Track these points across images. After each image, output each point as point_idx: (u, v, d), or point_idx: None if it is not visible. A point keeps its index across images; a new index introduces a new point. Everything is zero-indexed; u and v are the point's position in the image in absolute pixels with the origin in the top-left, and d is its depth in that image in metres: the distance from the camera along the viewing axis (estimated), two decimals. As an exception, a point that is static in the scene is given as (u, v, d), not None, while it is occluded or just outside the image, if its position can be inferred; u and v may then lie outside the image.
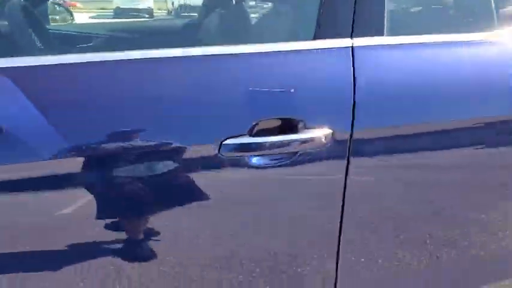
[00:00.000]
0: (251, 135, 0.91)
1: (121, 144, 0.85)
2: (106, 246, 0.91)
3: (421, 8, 1.32)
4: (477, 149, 1.09)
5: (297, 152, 0.94)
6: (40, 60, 0.87)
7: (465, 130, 1.05)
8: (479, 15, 1.20)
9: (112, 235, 0.90)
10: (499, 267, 1.25)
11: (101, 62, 0.87)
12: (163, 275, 0.96)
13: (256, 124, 0.91)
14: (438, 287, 1.19)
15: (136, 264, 0.95)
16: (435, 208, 1.10)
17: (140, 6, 2.28)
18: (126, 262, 0.93)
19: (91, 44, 1.17)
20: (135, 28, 1.06)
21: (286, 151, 0.93)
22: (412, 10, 1.30)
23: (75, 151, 0.82)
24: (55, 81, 0.84)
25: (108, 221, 0.90)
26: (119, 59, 0.87)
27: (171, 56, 0.90)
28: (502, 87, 1.05)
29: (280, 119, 0.93)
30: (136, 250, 0.94)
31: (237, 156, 0.91)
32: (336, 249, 1.02)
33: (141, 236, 0.92)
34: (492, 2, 1.17)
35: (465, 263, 1.18)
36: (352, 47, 1.00)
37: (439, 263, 1.13)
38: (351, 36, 1.01)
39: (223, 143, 0.89)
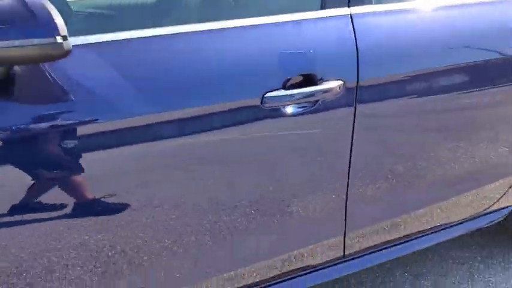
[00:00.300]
0: (284, 88, 1.15)
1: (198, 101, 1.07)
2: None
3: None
4: (455, 94, 1.41)
5: (318, 100, 1.19)
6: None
7: (441, 76, 1.36)
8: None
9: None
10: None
11: (173, 34, 1.06)
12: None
13: (288, 80, 1.15)
14: (422, 195, 1.50)
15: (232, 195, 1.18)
16: (421, 136, 1.41)
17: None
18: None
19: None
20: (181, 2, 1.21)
21: (310, 100, 1.18)
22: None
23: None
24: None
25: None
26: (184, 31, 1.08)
27: (221, 27, 1.12)
28: (472, 40, 1.38)
29: (305, 74, 1.17)
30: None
31: (274, 106, 1.14)
32: (347, 172, 1.30)
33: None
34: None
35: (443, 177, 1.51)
36: (350, 14, 1.26)
37: (425, 180, 1.45)
38: (348, 6, 1.27)
39: (264, 95, 1.12)
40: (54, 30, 0.81)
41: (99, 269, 1.07)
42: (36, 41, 0.81)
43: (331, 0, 1.26)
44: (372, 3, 1.31)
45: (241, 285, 1.31)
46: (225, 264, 1.26)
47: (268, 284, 1.37)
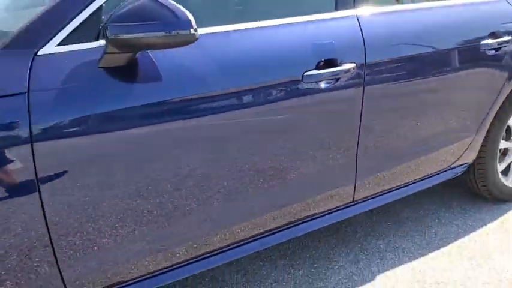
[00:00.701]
0: (317, 69, 1.57)
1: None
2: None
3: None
4: (442, 74, 1.89)
5: (339, 78, 1.63)
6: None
7: (418, 60, 1.83)
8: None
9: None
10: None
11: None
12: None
13: (319, 62, 1.58)
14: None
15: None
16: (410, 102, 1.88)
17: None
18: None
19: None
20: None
21: (334, 77, 1.62)
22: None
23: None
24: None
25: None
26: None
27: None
28: (441, 34, 1.87)
29: (330, 59, 1.61)
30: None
31: (310, 81, 1.56)
32: (357, 132, 1.74)
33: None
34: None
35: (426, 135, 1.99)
36: (356, 15, 1.72)
37: (410, 140, 1.92)
38: (354, 7, 1.72)
39: (303, 74, 1.55)
40: (189, 24, 1.19)
41: (170, 207, 1.44)
42: (176, 32, 1.19)
43: (342, 3, 1.71)
44: (369, 5, 1.78)
45: (281, 224, 1.73)
46: (268, 204, 1.66)
47: (298, 223, 1.79)
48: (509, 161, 2.46)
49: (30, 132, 1.17)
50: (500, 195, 2.44)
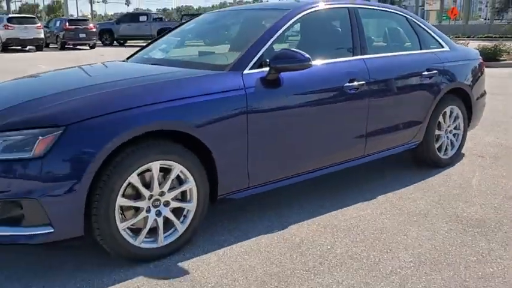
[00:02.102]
0: (349, 82, 3.32)
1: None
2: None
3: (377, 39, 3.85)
4: (405, 88, 3.69)
5: (358, 88, 3.38)
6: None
7: (392, 81, 3.63)
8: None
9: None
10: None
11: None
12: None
13: (349, 80, 3.33)
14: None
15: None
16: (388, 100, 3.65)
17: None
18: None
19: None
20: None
21: (356, 88, 3.36)
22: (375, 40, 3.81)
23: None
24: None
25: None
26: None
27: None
28: (401, 68, 3.69)
29: (353, 78, 3.35)
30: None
31: (347, 88, 3.30)
32: (366, 116, 3.48)
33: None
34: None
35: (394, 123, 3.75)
36: (363, 58, 3.50)
37: (388, 123, 3.68)
38: (361, 54, 3.51)
39: (344, 85, 3.29)
40: (309, 60, 2.90)
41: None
42: (304, 64, 2.89)
43: (359, 52, 3.48)
44: (368, 53, 3.56)
45: (331, 163, 3.40)
46: (328, 151, 3.33)
47: (338, 163, 3.46)
48: (440, 142, 4.26)
49: (246, 106, 2.80)
50: (437, 162, 4.23)
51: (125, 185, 2.42)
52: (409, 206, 3.42)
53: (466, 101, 4.38)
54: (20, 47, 23.23)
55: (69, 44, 24.45)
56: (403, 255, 2.69)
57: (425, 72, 3.90)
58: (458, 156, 4.47)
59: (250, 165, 2.89)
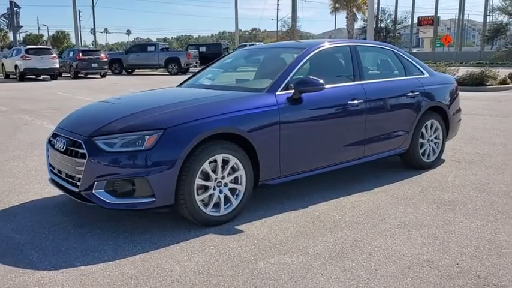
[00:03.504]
0: (350, 101, 4.47)
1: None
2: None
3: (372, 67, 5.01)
4: (394, 105, 4.85)
5: (358, 104, 4.53)
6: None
7: (385, 100, 4.79)
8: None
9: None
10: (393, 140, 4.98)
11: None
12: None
13: (351, 99, 4.49)
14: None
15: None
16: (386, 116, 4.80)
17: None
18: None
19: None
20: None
21: (357, 105, 4.52)
22: (370, 69, 4.97)
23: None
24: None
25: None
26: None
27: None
28: (392, 91, 4.87)
29: (354, 97, 4.51)
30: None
31: (350, 105, 4.45)
32: (364, 125, 4.62)
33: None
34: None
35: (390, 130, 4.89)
36: (362, 83, 4.67)
37: (382, 131, 4.83)
38: (360, 80, 4.68)
39: (347, 102, 4.44)
40: (323, 84, 4.06)
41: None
42: (319, 87, 4.05)
43: (358, 78, 4.66)
44: (364, 79, 4.72)
45: (343, 160, 4.52)
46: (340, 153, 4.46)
47: (347, 161, 4.58)
48: (424, 149, 5.39)
49: (279, 118, 3.94)
50: (421, 165, 5.35)
51: (200, 169, 3.53)
52: (398, 193, 4.52)
53: (444, 116, 5.54)
54: (34, 76, 24.62)
55: (81, 73, 25.86)
56: (393, 221, 3.78)
57: (410, 93, 5.07)
58: (439, 160, 5.60)
59: (281, 161, 4.01)
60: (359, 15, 28.95)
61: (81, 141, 3.51)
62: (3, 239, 3.53)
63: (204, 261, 3.09)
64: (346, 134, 4.52)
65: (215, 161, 3.63)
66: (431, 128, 5.42)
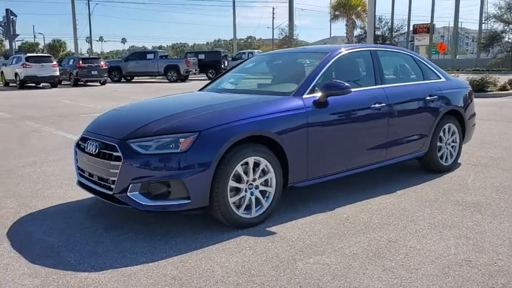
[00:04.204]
0: (373, 104, 4.52)
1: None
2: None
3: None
4: (414, 109, 4.90)
5: (381, 108, 4.58)
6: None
7: (404, 102, 4.85)
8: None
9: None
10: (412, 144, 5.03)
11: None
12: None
13: (374, 102, 4.53)
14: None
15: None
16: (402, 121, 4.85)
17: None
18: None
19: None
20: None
21: (380, 108, 4.57)
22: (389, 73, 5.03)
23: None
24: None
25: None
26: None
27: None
28: (412, 94, 4.93)
29: (377, 101, 4.57)
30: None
31: (373, 108, 4.50)
32: (387, 128, 4.67)
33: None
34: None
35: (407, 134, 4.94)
36: (383, 86, 4.72)
37: (403, 135, 4.88)
38: (382, 84, 4.73)
39: (371, 106, 4.49)
40: (349, 88, 4.11)
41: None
42: (346, 90, 4.09)
43: (379, 82, 4.71)
44: (385, 83, 4.78)
45: (364, 164, 4.56)
46: (362, 156, 4.50)
47: (369, 164, 4.62)
48: (442, 152, 5.44)
49: (307, 120, 3.97)
50: (440, 168, 5.40)
51: (233, 172, 3.56)
52: (421, 196, 4.56)
53: (460, 120, 5.60)
54: (34, 84, 24.59)
55: (81, 81, 25.86)
56: (422, 223, 3.82)
57: (428, 97, 5.13)
58: (455, 164, 5.65)
59: (308, 163, 4.04)
60: (358, 23, 29.33)
61: (115, 144, 3.53)
62: (37, 242, 3.53)
63: (243, 262, 3.11)
64: (369, 137, 4.56)
65: (247, 163, 3.65)
66: (448, 131, 5.48)
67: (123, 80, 30.09)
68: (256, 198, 3.76)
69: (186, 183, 3.39)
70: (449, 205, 4.26)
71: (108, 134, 3.72)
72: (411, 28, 48.66)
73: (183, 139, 3.43)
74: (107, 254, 3.29)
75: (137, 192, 3.46)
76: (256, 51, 37.52)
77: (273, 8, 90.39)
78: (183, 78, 29.43)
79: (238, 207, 3.66)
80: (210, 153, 3.44)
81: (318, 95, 4.12)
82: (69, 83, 26.29)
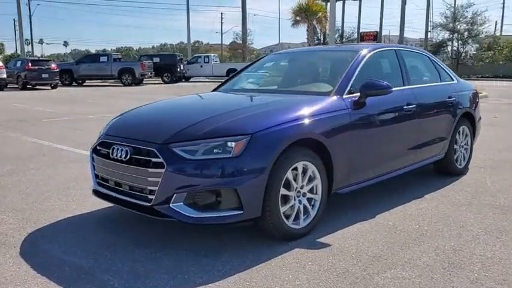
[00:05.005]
0: (406, 105, 4.33)
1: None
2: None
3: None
4: (436, 110, 4.76)
5: (412, 109, 4.40)
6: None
7: (427, 105, 4.70)
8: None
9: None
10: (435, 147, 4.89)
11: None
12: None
13: (406, 104, 4.35)
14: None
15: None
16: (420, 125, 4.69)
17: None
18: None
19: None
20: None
21: (411, 108, 4.38)
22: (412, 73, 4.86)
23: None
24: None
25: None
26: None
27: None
28: (431, 95, 4.79)
29: (408, 102, 4.38)
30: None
31: (405, 108, 4.31)
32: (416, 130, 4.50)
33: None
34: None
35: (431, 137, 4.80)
36: (412, 87, 4.55)
37: (423, 139, 4.72)
38: (409, 85, 4.56)
39: (404, 107, 4.30)
40: (390, 87, 3.89)
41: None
42: (387, 90, 3.87)
43: (406, 83, 4.53)
44: (411, 84, 4.61)
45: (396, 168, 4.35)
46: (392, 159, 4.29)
47: (398, 169, 4.41)
48: (457, 155, 5.35)
49: (350, 121, 3.71)
50: (455, 171, 5.30)
51: (284, 178, 3.23)
52: (452, 200, 4.41)
53: (472, 122, 5.54)
54: (-24, 87, 22.95)
55: (30, 84, 24.37)
56: (474, 228, 3.64)
57: (448, 99, 5.02)
58: (467, 167, 5.58)
59: (351, 167, 3.77)
60: (319, 28, 29.51)
61: (154, 149, 3.11)
62: (62, 264, 3.04)
63: (315, 279, 2.79)
64: (404, 140, 4.38)
65: (296, 169, 3.34)
66: (462, 133, 5.40)
67: (74, 83, 28.75)
68: (304, 207, 3.45)
69: (240, 191, 3.02)
70: (487, 209, 4.13)
71: (141, 138, 3.28)
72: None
73: (234, 142, 3.06)
74: (153, 275, 2.86)
75: (182, 203, 3.05)
76: (212, 55, 37.03)
77: (222, 13, 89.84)
78: (138, 82, 28.54)
79: (287, 217, 3.33)
80: (265, 158, 3.09)
81: (357, 95, 3.87)
82: (16, 86, 24.68)
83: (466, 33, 36.47)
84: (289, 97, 3.92)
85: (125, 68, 28.05)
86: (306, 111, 3.50)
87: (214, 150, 3.06)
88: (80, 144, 7.42)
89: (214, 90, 4.87)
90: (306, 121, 3.41)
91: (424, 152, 4.73)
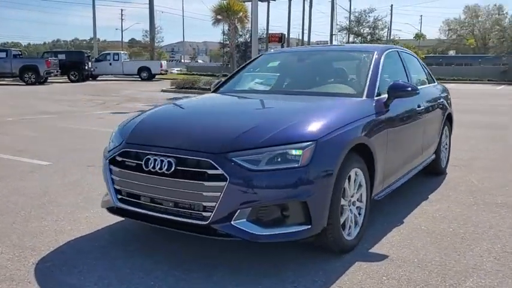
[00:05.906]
0: (417, 107, 4.32)
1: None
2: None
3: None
4: (433, 111, 4.81)
5: (422, 109, 4.40)
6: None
7: (433, 105, 4.75)
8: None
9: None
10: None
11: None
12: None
13: (421, 104, 4.33)
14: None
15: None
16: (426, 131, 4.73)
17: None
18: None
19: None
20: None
21: (419, 109, 4.38)
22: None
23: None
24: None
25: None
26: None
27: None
28: (431, 96, 4.85)
29: (418, 104, 4.38)
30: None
31: (419, 107, 4.29)
32: (422, 135, 4.52)
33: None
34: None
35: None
36: (435, 84, 4.56)
37: (421, 144, 4.77)
38: (434, 82, 4.56)
39: (419, 105, 4.28)
40: (418, 89, 3.83)
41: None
42: (415, 92, 3.80)
43: (431, 81, 4.54)
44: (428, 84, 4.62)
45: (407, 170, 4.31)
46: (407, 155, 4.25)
47: (414, 168, 4.39)
48: (442, 155, 5.48)
49: (387, 123, 3.58)
50: (440, 171, 5.43)
51: (343, 187, 3.00)
52: (458, 200, 4.48)
53: (451, 123, 5.73)
54: None
55: None
56: (502, 228, 3.70)
57: (440, 100, 5.12)
58: (447, 166, 5.76)
59: (385, 171, 3.64)
60: (240, 28, 29.27)
61: (211, 160, 2.71)
62: (106, 299, 2.54)
63: (404, 295, 2.61)
64: (418, 140, 4.38)
65: (349, 177, 3.12)
66: (444, 134, 5.55)
67: (-33, 81, 25.83)
68: (354, 216, 3.26)
69: (310, 204, 2.74)
70: (497, 208, 4.24)
71: (188, 147, 2.85)
72: (270, 36, 50.87)
73: (301, 150, 2.77)
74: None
75: (245, 220, 2.70)
76: (122, 52, 35.28)
77: (122, 10, 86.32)
78: (43, 81, 26.38)
79: (342, 227, 3.11)
80: (331, 166, 2.84)
81: (384, 96, 3.76)
82: None
83: (369, 37, 38.60)
84: (321, 100, 3.69)
85: (27, 66, 25.74)
86: (352, 115, 3.30)
87: (279, 159, 2.74)
88: (19, 151, 6.54)
89: (215, 91, 4.48)
90: (358, 125, 3.22)
91: (427, 152, 4.77)
